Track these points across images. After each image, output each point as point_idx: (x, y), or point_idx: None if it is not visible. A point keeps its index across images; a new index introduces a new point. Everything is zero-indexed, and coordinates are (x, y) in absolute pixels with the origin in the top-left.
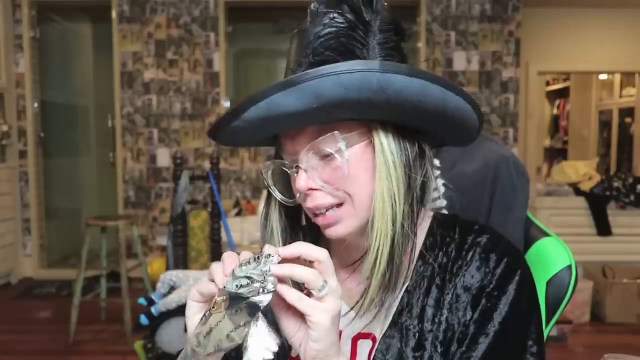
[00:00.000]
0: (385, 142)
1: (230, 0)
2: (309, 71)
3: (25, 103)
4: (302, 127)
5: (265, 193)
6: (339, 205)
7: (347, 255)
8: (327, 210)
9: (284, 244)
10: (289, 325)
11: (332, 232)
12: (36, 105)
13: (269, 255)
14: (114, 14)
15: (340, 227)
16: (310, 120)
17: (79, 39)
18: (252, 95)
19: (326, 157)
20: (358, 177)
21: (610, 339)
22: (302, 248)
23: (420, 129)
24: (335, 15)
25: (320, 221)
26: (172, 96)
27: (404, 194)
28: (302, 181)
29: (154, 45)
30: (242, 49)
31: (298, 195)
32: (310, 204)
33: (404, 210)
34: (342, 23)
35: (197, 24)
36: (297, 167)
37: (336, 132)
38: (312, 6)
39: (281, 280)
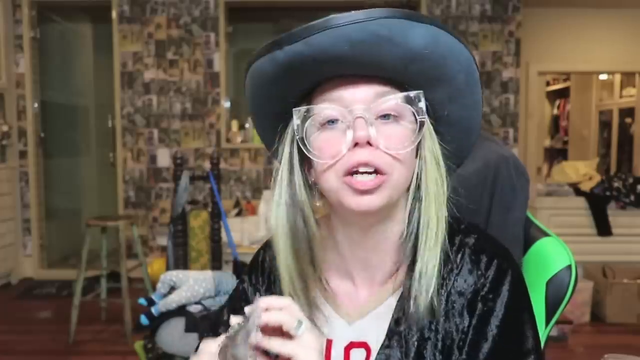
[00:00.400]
0: (432, 130)
1: (230, 0)
2: (435, 20)
3: (25, 103)
4: (385, 74)
5: (265, 193)
6: (389, 171)
7: (343, 262)
8: (373, 174)
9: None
10: None
11: (364, 201)
12: (36, 105)
13: (244, 320)
14: (114, 14)
15: (376, 197)
16: (405, 67)
17: (79, 39)
18: (373, 11)
19: (392, 116)
20: (412, 152)
21: (610, 339)
22: (270, 314)
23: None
24: None
25: (358, 184)
26: (172, 96)
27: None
28: (362, 130)
29: (154, 45)
30: (242, 49)
31: (332, 157)
32: (362, 156)
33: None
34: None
35: (197, 24)
36: (357, 117)
37: (421, 92)
38: None
39: (264, 330)
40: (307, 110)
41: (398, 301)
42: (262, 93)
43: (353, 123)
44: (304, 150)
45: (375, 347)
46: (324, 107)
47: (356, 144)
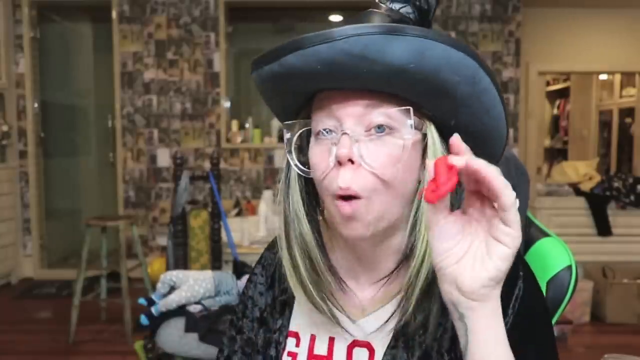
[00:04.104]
0: (437, 140)
1: (230, 0)
2: (424, 31)
3: (25, 103)
4: (369, 87)
5: (264, 193)
6: (368, 195)
7: (347, 262)
8: (353, 198)
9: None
10: (446, 240)
11: (350, 229)
12: (36, 105)
13: None
14: (114, 14)
15: (361, 226)
16: (389, 82)
17: (79, 39)
18: (347, 28)
19: (379, 132)
20: (403, 169)
21: (610, 339)
22: (475, 160)
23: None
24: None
25: (344, 209)
26: (172, 96)
27: None
28: (344, 148)
29: (154, 45)
30: (242, 49)
31: (322, 172)
32: (341, 180)
33: None
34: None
35: (197, 24)
36: (343, 133)
37: (410, 108)
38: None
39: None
40: (301, 123)
41: (403, 301)
42: (265, 98)
43: (339, 139)
44: (293, 166)
45: (379, 348)
46: (315, 120)
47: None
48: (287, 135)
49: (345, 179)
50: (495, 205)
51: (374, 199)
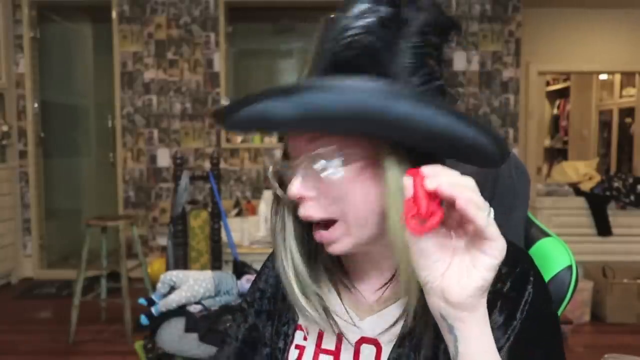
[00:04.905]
0: (397, 169)
1: (230, 0)
2: (304, 84)
3: (25, 103)
4: (299, 133)
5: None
6: (332, 222)
7: (354, 262)
8: (321, 227)
9: (299, 240)
10: (428, 257)
11: (331, 250)
12: (36, 105)
13: None
14: (114, 14)
15: (338, 245)
16: (305, 129)
17: (79, 39)
18: (246, 97)
19: (323, 165)
20: (355, 197)
21: (610, 339)
22: (449, 178)
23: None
24: (369, 5)
25: (317, 237)
26: (172, 96)
27: None
28: (293, 187)
29: (154, 45)
30: (242, 49)
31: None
32: (302, 212)
33: None
34: (373, 17)
35: (197, 24)
36: (293, 170)
37: (333, 147)
38: None
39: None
40: (273, 163)
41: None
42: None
43: (292, 174)
44: (272, 188)
45: (386, 345)
46: (279, 163)
47: None
48: (268, 170)
49: (303, 212)
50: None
51: (348, 215)
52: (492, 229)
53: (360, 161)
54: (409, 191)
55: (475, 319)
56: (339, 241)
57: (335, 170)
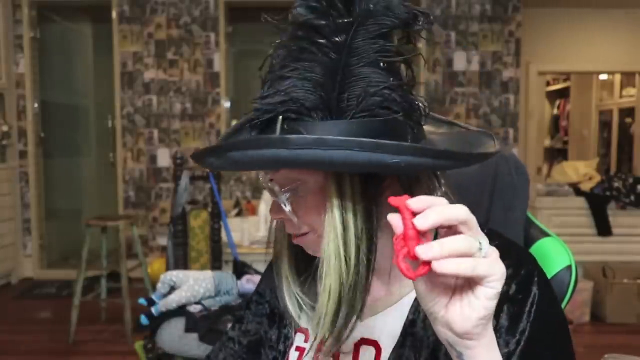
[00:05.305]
0: (341, 186)
1: (230, 0)
2: (228, 143)
3: (25, 103)
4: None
5: (265, 192)
6: (305, 233)
7: None
8: (297, 236)
9: (292, 252)
10: (429, 291)
11: (310, 252)
12: (36, 105)
13: None
14: (114, 14)
15: (310, 250)
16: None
17: (79, 39)
18: (195, 153)
19: (287, 189)
20: (314, 215)
21: (610, 339)
22: (440, 214)
23: None
24: (311, 33)
25: (294, 241)
26: (172, 96)
27: (359, 238)
28: (270, 210)
29: (154, 45)
30: (242, 49)
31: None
32: (288, 229)
33: (359, 258)
34: (319, 45)
35: (197, 24)
36: (271, 192)
37: (277, 187)
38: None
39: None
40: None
41: (414, 301)
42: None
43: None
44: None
45: (385, 346)
46: (265, 186)
47: None
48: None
49: (286, 227)
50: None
51: (307, 236)
52: (486, 267)
53: (315, 188)
54: (398, 229)
55: (483, 345)
56: (311, 246)
57: (284, 202)
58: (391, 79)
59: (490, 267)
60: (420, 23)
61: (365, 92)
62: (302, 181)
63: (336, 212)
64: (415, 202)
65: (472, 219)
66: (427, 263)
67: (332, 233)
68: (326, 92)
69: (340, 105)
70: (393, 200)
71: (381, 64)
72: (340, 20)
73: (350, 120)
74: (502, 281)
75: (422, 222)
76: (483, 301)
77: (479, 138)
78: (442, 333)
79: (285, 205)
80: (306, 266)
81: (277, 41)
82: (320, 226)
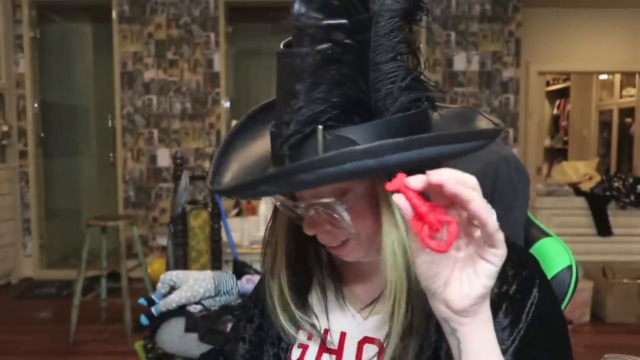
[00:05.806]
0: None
1: (230, 0)
2: (291, 167)
3: (25, 103)
4: None
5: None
6: (346, 241)
7: (357, 265)
8: (336, 247)
9: (288, 259)
10: (432, 267)
11: (344, 258)
12: (36, 105)
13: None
14: (114, 14)
15: (349, 256)
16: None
17: (79, 39)
18: (239, 185)
19: (326, 203)
20: (364, 219)
21: (610, 339)
22: (452, 172)
23: None
24: (323, 35)
25: (330, 251)
26: (172, 96)
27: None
28: (307, 227)
29: (154, 45)
30: (242, 49)
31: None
32: (319, 240)
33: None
34: (334, 48)
35: (197, 24)
36: (305, 210)
37: (332, 200)
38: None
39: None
40: (279, 199)
41: None
42: None
43: (302, 212)
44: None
45: (388, 345)
46: (290, 204)
47: None
48: (275, 202)
49: (321, 240)
50: (478, 225)
51: (348, 243)
52: (500, 236)
53: (359, 198)
54: (407, 210)
55: (478, 322)
56: (351, 252)
57: (341, 214)
58: (411, 69)
59: (502, 239)
60: (423, 11)
61: (398, 87)
62: (351, 189)
63: (394, 209)
64: (414, 180)
65: (480, 190)
66: (452, 228)
67: (393, 229)
68: (363, 93)
69: (377, 105)
70: (390, 185)
71: (399, 57)
72: (360, 17)
73: (390, 119)
74: (503, 260)
75: (435, 176)
76: (483, 279)
77: (467, 113)
78: (439, 309)
79: (343, 216)
80: (304, 283)
81: (291, 49)
82: (368, 229)
